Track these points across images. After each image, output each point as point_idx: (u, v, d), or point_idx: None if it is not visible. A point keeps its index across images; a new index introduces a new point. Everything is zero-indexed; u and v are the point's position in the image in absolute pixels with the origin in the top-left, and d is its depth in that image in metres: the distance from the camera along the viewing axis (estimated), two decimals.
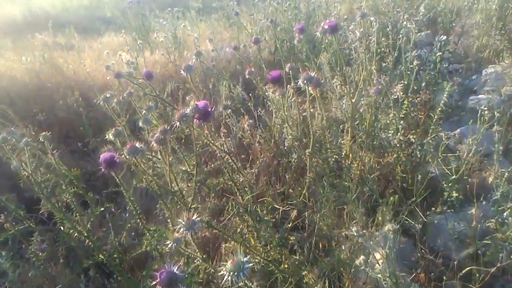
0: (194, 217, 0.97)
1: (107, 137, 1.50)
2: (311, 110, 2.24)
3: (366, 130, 2.03)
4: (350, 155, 2.09)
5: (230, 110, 2.73)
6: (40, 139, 1.69)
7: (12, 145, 1.78)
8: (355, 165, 1.99)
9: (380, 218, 1.78)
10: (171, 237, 0.99)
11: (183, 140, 2.99)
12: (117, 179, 1.50)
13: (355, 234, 1.14)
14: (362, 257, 1.10)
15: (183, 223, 0.96)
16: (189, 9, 7.13)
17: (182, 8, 7.32)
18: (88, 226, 1.61)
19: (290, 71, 1.81)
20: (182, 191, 1.56)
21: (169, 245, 0.99)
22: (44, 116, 3.36)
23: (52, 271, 2.11)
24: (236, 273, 0.85)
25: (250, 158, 2.62)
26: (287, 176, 2.38)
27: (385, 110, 2.29)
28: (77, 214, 1.63)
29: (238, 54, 3.03)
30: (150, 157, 2.03)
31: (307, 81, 1.43)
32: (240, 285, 0.91)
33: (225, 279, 0.85)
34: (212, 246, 2.19)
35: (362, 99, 2.22)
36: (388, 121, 2.04)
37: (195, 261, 1.14)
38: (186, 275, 1.22)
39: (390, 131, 2.05)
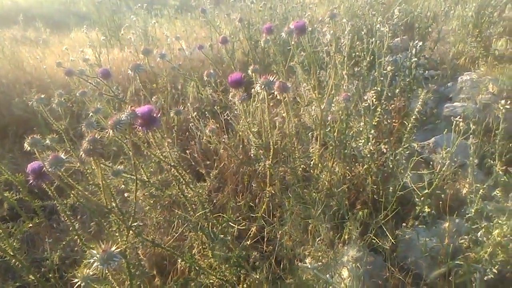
0: (113, 248, 0.80)
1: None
2: (279, 116, 2.10)
3: (336, 138, 1.90)
4: (319, 165, 1.95)
5: (195, 113, 2.57)
6: None
7: None
8: (324, 175, 1.85)
9: (347, 236, 1.65)
10: (79, 275, 0.81)
11: (146, 144, 2.81)
12: (50, 191, 1.31)
13: (309, 266, 1.00)
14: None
15: (98, 256, 0.79)
16: (166, 7, 6.93)
17: (159, 6, 7.12)
18: (15, 245, 1.41)
19: (253, 74, 1.66)
20: (130, 207, 1.38)
21: (77, 284, 0.82)
22: None
23: None
24: None
25: (215, 165, 2.46)
26: (253, 185, 2.23)
27: (356, 117, 2.16)
28: (1, 230, 1.43)
29: (204, 54, 2.86)
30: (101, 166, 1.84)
31: (265, 86, 1.28)
32: None
33: None
34: (169, 260, 2.02)
35: (332, 105, 2.09)
36: (360, 129, 1.91)
37: None
38: None
39: (360, 140, 1.92)
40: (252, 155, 2.21)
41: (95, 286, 0.88)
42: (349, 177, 2.03)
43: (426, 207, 1.70)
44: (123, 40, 5.12)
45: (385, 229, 1.74)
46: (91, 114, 1.78)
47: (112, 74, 2.43)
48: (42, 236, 2.28)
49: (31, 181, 1.29)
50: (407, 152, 2.04)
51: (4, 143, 3.30)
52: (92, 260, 0.79)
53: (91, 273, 0.81)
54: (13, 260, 1.46)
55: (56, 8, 10.27)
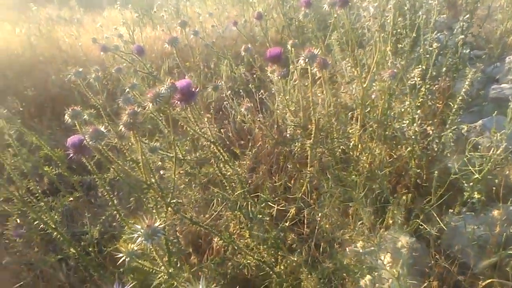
0: (157, 223, 0.77)
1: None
2: (317, 94, 2.02)
3: (378, 119, 1.81)
4: (359, 146, 1.87)
5: (229, 92, 2.52)
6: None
7: None
8: (364, 157, 1.77)
9: (390, 220, 1.58)
10: (124, 249, 0.79)
11: (180, 122, 2.79)
12: (89, 165, 1.30)
13: (360, 250, 0.94)
14: (368, 277, 0.90)
15: (142, 230, 0.76)
16: None
17: None
18: (57, 218, 1.42)
19: (292, 49, 1.58)
20: (167, 184, 1.36)
21: (122, 259, 0.79)
22: (34, 91, 3.16)
23: (31, 258, 1.96)
24: None
25: (250, 145, 2.41)
26: (288, 166, 2.17)
27: (399, 97, 2.05)
28: (43, 203, 1.44)
29: (239, 31, 2.78)
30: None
31: (309, 59, 1.21)
32: None
33: None
34: (205, 238, 2.01)
35: (374, 84, 1.99)
36: (402, 110, 1.81)
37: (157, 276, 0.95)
38: None
39: (405, 121, 1.82)
40: (288, 135, 2.15)
41: (138, 261, 0.86)
42: (390, 159, 1.93)
43: (476, 193, 1.60)
44: (155, 19, 5.11)
45: (431, 215, 1.65)
46: (127, 89, 1.77)
47: (145, 52, 2.41)
48: (81, 211, 2.32)
49: (71, 155, 1.28)
50: (451, 134, 1.93)
51: (42, 120, 3.37)
52: (136, 235, 0.76)
53: (135, 248, 0.79)
54: (55, 233, 1.47)
55: None
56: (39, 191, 1.49)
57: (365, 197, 1.56)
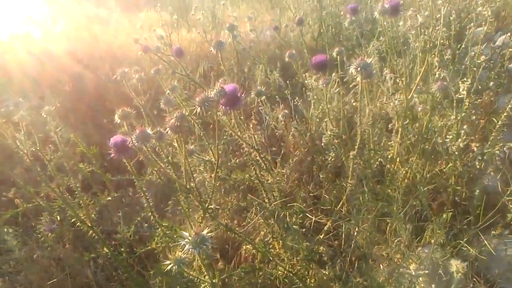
0: (205, 231, 0.75)
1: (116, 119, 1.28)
2: (355, 102, 1.97)
3: (421, 132, 1.74)
4: (398, 159, 1.80)
5: (263, 97, 2.50)
6: (43, 114, 1.51)
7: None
8: (403, 171, 1.71)
9: (428, 238, 1.51)
10: (171, 257, 0.77)
11: (211, 126, 2.79)
12: (129, 166, 1.30)
13: (414, 273, 0.89)
14: None
15: (190, 238, 0.74)
16: None
17: None
18: (94, 216, 1.43)
19: (338, 57, 1.55)
20: (199, 188, 1.35)
21: (169, 267, 0.78)
22: (70, 87, 3.23)
23: (60, 253, 1.98)
24: None
25: (282, 152, 2.38)
26: (321, 176, 2.12)
27: (442, 111, 1.98)
28: (82, 200, 1.45)
29: (279, 36, 2.76)
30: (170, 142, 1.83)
31: (362, 68, 1.17)
32: None
33: None
34: (232, 245, 1.98)
35: (415, 96, 1.92)
36: (447, 124, 1.73)
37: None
38: None
39: (448, 136, 1.75)
40: (322, 144, 2.10)
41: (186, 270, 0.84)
42: (429, 175, 1.86)
43: None
44: (190, 22, 5.16)
45: (470, 233, 1.58)
46: (168, 91, 1.77)
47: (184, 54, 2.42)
48: (111, 209, 2.35)
49: (112, 155, 1.28)
50: (498, 152, 1.84)
51: (77, 116, 3.44)
52: (183, 242, 0.74)
53: (183, 256, 0.77)
54: (90, 232, 1.48)
55: None
56: (78, 188, 1.50)
57: (404, 213, 1.50)
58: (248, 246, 1.74)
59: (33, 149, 1.46)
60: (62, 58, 3.90)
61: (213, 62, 3.68)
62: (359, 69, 1.17)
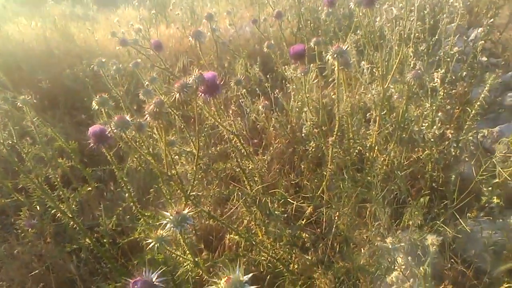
0: (186, 210, 0.76)
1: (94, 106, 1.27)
2: (334, 94, 2.00)
3: (398, 121, 1.79)
4: (376, 148, 1.85)
5: (244, 90, 2.51)
6: (18, 104, 1.48)
7: None
8: (381, 159, 1.75)
9: (407, 221, 1.56)
10: (153, 235, 0.78)
11: (192, 120, 2.79)
12: (108, 156, 1.30)
13: (390, 246, 0.92)
14: (395, 273, 0.89)
15: (171, 217, 0.76)
16: None
17: None
18: (75, 207, 1.42)
19: (315, 47, 1.58)
20: (180, 176, 1.35)
21: (151, 245, 0.78)
22: (48, 84, 3.17)
23: (41, 248, 1.95)
24: None
25: (263, 144, 2.40)
26: (302, 166, 2.16)
27: (418, 100, 2.04)
28: (63, 192, 1.44)
29: (258, 29, 2.78)
30: (150, 134, 1.83)
31: (338, 55, 1.20)
32: None
33: None
34: (216, 235, 2.00)
35: (391, 86, 1.97)
36: (423, 113, 1.79)
37: (184, 264, 0.94)
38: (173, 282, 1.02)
39: (424, 124, 1.80)
40: (303, 134, 2.14)
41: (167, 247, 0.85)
42: (407, 162, 1.92)
43: (495, 197, 1.57)
44: (169, 18, 5.13)
45: (446, 219, 1.63)
46: (147, 83, 1.77)
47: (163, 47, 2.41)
48: (91, 203, 2.32)
49: (91, 145, 1.28)
50: (471, 139, 1.91)
51: (55, 113, 3.38)
52: (165, 221, 0.75)
53: (164, 234, 0.78)
54: (70, 223, 1.47)
55: None
56: (58, 180, 1.48)
57: (383, 198, 1.54)
58: (232, 236, 1.76)
59: (9, 142, 1.44)
60: (38, 56, 3.82)
61: (193, 57, 3.67)
62: (335, 55, 1.20)
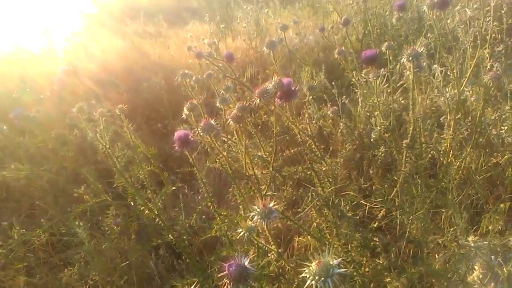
0: (271, 204, 0.82)
1: (183, 116, 1.41)
2: (403, 99, 1.98)
3: (476, 124, 1.73)
4: (451, 153, 1.80)
5: (311, 97, 2.56)
6: (117, 111, 1.66)
7: (92, 121, 1.80)
8: (457, 164, 1.70)
9: (485, 227, 1.50)
10: (243, 225, 0.85)
11: (259, 127, 2.89)
12: (191, 158, 1.41)
13: (472, 244, 0.91)
14: (476, 273, 0.87)
15: (258, 210, 0.82)
16: None
17: None
18: (160, 205, 1.56)
19: (387, 51, 1.59)
20: (257, 177, 1.43)
21: (241, 234, 0.86)
22: (128, 96, 3.46)
23: (124, 245, 2.13)
24: (322, 279, 0.68)
25: (330, 149, 2.42)
26: (370, 172, 2.14)
27: (496, 104, 1.95)
28: (150, 191, 1.58)
29: (324, 37, 2.82)
30: (225, 139, 1.94)
31: (413, 57, 1.20)
32: None
33: (308, 283, 0.69)
34: (284, 239, 2.04)
35: (466, 89, 1.91)
36: (502, 116, 1.71)
37: (268, 254, 1.00)
38: (257, 269, 1.08)
39: (503, 127, 1.72)
40: (372, 139, 2.13)
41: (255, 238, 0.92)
42: (485, 167, 1.83)
43: None
44: (235, 31, 5.35)
45: None
46: (222, 91, 1.88)
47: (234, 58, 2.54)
48: (166, 205, 2.49)
49: (176, 148, 1.40)
50: None
51: (134, 122, 3.66)
52: (252, 214, 0.82)
53: (252, 225, 0.85)
54: (154, 221, 1.60)
55: (170, 5, 11.13)
56: (147, 180, 1.63)
57: (459, 203, 1.50)
58: (301, 238, 1.80)
59: (103, 147, 1.61)
60: (119, 71, 4.18)
61: (258, 67, 3.80)
62: (410, 58, 1.20)
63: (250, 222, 0.84)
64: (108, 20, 8.66)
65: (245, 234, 0.84)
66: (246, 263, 0.80)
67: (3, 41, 4.30)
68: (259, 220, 0.82)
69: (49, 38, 3.74)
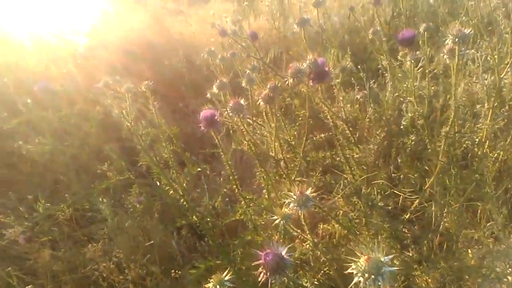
0: (308, 191, 0.78)
1: (208, 95, 1.35)
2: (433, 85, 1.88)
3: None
4: (487, 143, 1.71)
5: (338, 80, 2.47)
6: (142, 88, 1.62)
7: (117, 97, 1.77)
8: (494, 155, 1.62)
9: None
10: (279, 212, 0.81)
11: (282, 109, 2.82)
12: (217, 140, 1.37)
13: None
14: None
15: (295, 197, 0.78)
16: None
17: None
18: (184, 185, 1.53)
19: (425, 33, 1.49)
20: (286, 161, 1.38)
21: (276, 221, 0.81)
22: (149, 73, 3.43)
23: (147, 224, 2.13)
24: (372, 277, 0.63)
25: (357, 135, 2.35)
26: (399, 160, 2.07)
27: None
28: (174, 171, 1.56)
29: (354, 17, 2.71)
30: (251, 122, 1.88)
31: (459, 39, 1.12)
32: None
33: (355, 280, 0.65)
34: (310, 224, 2.01)
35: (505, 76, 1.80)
36: None
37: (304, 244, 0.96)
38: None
39: None
40: (401, 127, 2.05)
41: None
42: None
43: None
44: (257, 10, 5.22)
45: None
46: (248, 71, 1.82)
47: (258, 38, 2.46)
48: (188, 186, 2.47)
49: (202, 128, 1.35)
50: None
51: (154, 100, 3.64)
52: (288, 201, 0.78)
53: (289, 212, 0.81)
54: (178, 201, 1.58)
55: None
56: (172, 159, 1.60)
57: (497, 197, 1.43)
58: (325, 226, 1.76)
59: (128, 124, 1.58)
60: (139, 48, 4.13)
61: (282, 48, 3.70)
62: (456, 40, 1.12)
63: (286, 210, 0.80)
64: None
65: (281, 222, 0.80)
66: (283, 253, 0.76)
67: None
68: (295, 207, 0.78)
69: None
